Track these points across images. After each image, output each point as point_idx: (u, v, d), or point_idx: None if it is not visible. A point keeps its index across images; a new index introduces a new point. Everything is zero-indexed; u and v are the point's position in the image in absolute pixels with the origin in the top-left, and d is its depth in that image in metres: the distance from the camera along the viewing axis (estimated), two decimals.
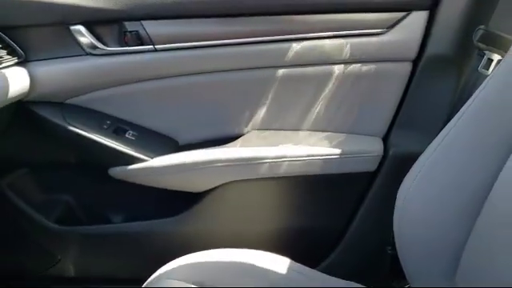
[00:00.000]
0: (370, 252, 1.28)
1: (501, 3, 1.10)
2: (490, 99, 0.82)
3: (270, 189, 1.28)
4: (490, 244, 0.77)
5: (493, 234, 0.77)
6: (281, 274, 1.01)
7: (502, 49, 1.01)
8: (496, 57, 1.05)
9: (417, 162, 0.90)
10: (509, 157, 0.77)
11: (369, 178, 1.26)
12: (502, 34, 1.06)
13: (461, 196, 0.83)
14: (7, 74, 1.03)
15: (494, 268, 0.76)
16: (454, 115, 0.88)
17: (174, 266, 0.99)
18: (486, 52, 1.09)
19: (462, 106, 0.87)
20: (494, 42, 1.06)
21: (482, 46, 1.10)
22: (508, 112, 0.78)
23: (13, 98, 1.05)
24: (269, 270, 1.00)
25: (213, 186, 1.26)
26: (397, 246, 0.94)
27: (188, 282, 0.93)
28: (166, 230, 1.31)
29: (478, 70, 1.11)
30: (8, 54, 1.08)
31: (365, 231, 1.30)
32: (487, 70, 1.08)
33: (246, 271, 0.99)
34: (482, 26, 1.12)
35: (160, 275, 0.96)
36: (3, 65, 1.04)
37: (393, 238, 0.94)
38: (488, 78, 0.84)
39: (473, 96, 0.84)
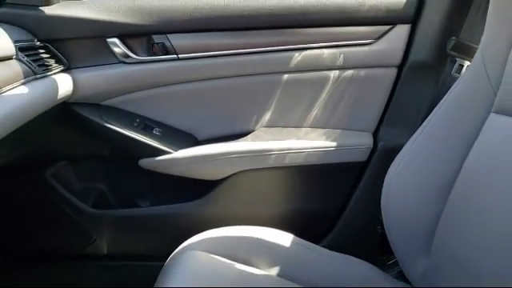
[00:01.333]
0: (363, 231, 1.33)
1: (468, 19, 1.17)
2: (458, 98, 0.92)
3: (276, 176, 1.34)
4: (457, 218, 0.87)
5: (459, 209, 0.87)
6: (287, 247, 1.07)
7: (469, 56, 1.08)
8: (466, 63, 1.13)
9: (400, 152, 0.99)
10: (472, 146, 0.86)
11: (361, 167, 1.33)
12: (470, 44, 1.13)
13: (434, 179, 0.92)
14: (56, 80, 1.11)
15: (460, 237, 0.85)
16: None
17: (196, 240, 1.05)
18: (458, 59, 1.17)
19: None
20: (464, 51, 1.13)
21: (453, 53, 1.18)
22: (473, 108, 0.88)
23: (59, 99, 1.12)
24: (277, 244, 1.07)
25: (227, 175, 1.33)
26: (384, 224, 1.01)
27: (208, 252, 1.00)
28: (187, 212, 1.36)
29: (451, 74, 1.18)
30: (55, 62, 1.15)
31: (358, 213, 1.35)
32: (459, 74, 1.15)
33: (258, 244, 1.06)
34: (454, 38, 1.20)
35: (184, 247, 1.02)
36: (52, 72, 1.11)
37: (381, 218, 1.02)
38: (457, 80, 0.94)
39: (445, 96, 0.93)
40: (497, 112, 0.85)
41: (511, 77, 0.83)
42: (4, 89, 0.87)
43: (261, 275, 0.98)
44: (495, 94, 0.85)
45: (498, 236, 0.76)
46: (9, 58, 0.96)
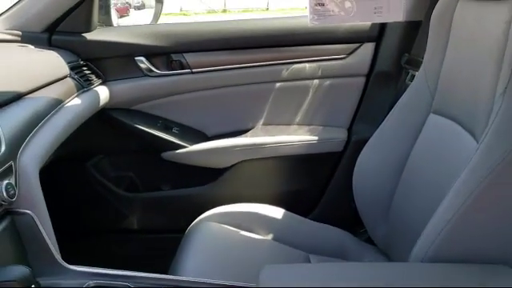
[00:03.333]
0: (340, 206, 1.38)
1: (417, 40, 1.28)
2: (407, 101, 1.06)
3: (271, 164, 1.44)
4: (407, 192, 1.01)
5: (408, 185, 1.02)
6: (280, 219, 1.19)
7: (418, 68, 1.10)
8: (416, 73, 1.17)
9: (366, 144, 1.12)
10: (417, 139, 1.01)
11: (338, 156, 1.43)
12: (418, 59, 1.21)
13: (391, 164, 1.05)
14: (97, 91, 1.24)
15: (408, 205, 0.98)
16: None
17: (209, 214, 1.17)
18: (410, 70, 1.28)
19: None
20: (414, 64, 1.23)
21: (407, 66, 1.30)
22: (417, 109, 1.02)
23: (100, 107, 1.25)
24: (272, 216, 1.19)
25: (231, 164, 1.42)
26: (355, 200, 1.14)
27: (219, 223, 1.13)
28: (200, 193, 1.44)
29: (405, 82, 1.29)
30: (96, 77, 1.29)
31: (336, 192, 1.44)
32: (411, 82, 1.20)
33: (257, 217, 1.17)
34: (407, 54, 1.32)
35: (200, 220, 1.16)
36: (94, 85, 1.25)
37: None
38: (409, 87, 1.08)
39: (399, 99, 1.08)
40: (434, 112, 0.99)
41: (443, 85, 0.97)
42: (65, 101, 1.03)
43: (259, 239, 1.10)
44: (433, 99, 0.99)
45: (435, 203, 0.83)
46: (65, 77, 1.11)
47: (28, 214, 0.71)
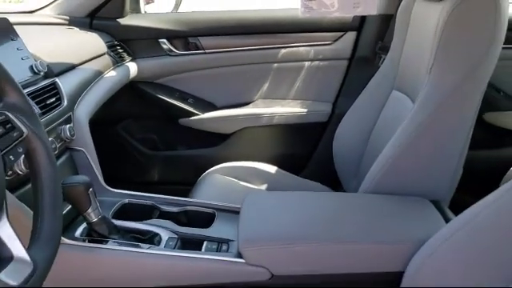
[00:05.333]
0: (324, 166, 1.42)
1: (389, 30, 1.43)
2: (377, 80, 1.23)
3: (268, 131, 1.58)
4: (372, 153, 1.13)
5: (373, 149, 1.16)
6: (274, 174, 1.35)
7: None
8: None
9: (345, 115, 1.28)
10: (382, 111, 1.18)
11: (323, 125, 1.58)
12: (385, 45, 1.35)
13: (362, 131, 1.22)
14: (128, 66, 1.42)
15: (373, 161, 1.06)
16: None
17: (216, 168, 1.34)
18: (382, 55, 1.42)
19: None
20: (386, 50, 1.29)
21: (380, 52, 1.45)
22: (384, 86, 1.19)
23: (130, 79, 1.42)
24: (268, 172, 1.35)
25: (236, 130, 1.57)
26: (334, 161, 1.30)
27: (225, 175, 1.29)
28: (209, 153, 1.58)
29: (378, 65, 1.42)
30: (127, 55, 1.47)
31: (321, 155, 1.56)
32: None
33: (255, 172, 1.34)
34: (380, 42, 1.47)
35: (208, 173, 1.33)
36: (126, 61, 1.43)
37: None
38: (379, 69, 1.25)
39: (372, 78, 1.25)
40: (395, 89, 1.16)
41: (402, 67, 1.14)
42: (104, 73, 1.24)
43: (255, 188, 1.27)
44: (395, 78, 1.17)
45: None
46: (104, 54, 1.31)
47: (82, 150, 0.94)
